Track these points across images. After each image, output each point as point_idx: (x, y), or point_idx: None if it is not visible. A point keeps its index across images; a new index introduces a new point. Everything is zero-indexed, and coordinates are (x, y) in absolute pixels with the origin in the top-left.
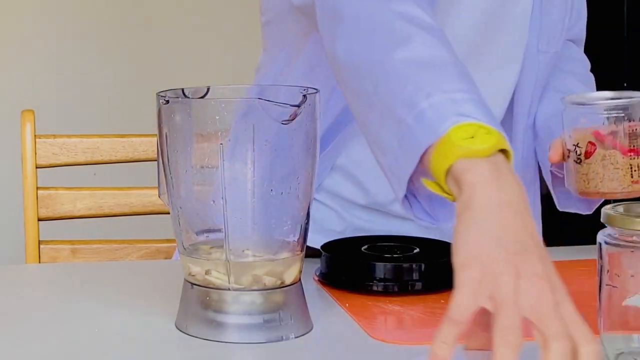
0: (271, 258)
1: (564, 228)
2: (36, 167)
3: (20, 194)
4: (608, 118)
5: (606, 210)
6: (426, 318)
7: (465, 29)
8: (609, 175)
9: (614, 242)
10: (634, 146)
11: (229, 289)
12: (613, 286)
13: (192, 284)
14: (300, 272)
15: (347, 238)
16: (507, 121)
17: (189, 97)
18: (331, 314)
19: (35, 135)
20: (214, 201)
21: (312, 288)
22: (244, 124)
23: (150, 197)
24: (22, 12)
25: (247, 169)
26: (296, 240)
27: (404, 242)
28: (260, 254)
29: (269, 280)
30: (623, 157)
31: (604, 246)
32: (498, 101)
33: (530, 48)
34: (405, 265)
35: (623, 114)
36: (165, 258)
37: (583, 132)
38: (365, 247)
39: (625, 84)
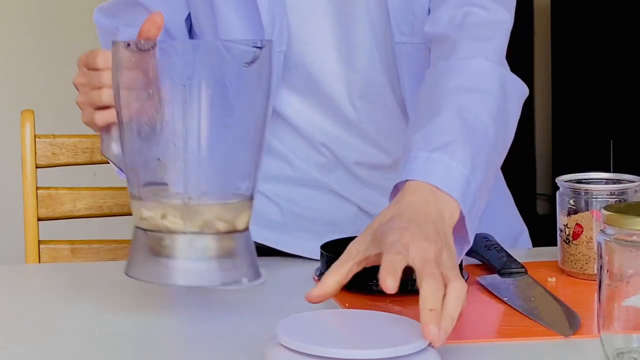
0: (225, 203)
1: None
2: (36, 167)
3: (20, 194)
4: (601, 202)
5: (606, 210)
6: None
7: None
8: (595, 257)
9: (613, 241)
10: None
11: (184, 233)
12: (613, 286)
13: (145, 230)
14: (249, 219)
15: (346, 238)
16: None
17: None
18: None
19: (35, 135)
20: (174, 144)
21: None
22: (203, 67)
23: None
24: (22, 12)
25: (202, 113)
26: (248, 186)
27: None
28: (215, 199)
29: (222, 225)
30: None
31: (603, 246)
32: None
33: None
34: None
35: (617, 199)
36: None
37: (573, 214)
38: None
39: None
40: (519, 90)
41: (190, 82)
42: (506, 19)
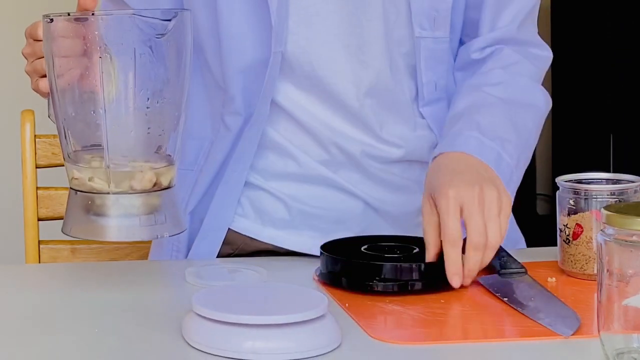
0: (146, 164)
1: None
2: (36, 167)
3: (20, 194)
4: (601, 202)
5: (606, 210)
6: (426, 318)
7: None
8: (595, 257)
9: (614, 242)
10: None
11: (109, 193)
12: (613, 286)
13: (77, 190)
14: (174, 177)
15: (346, 238)
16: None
17: (71, 16)
18: (330, 313)
19: (35, 135)
20: (93, 111)
21: (312, 288)
22: (119, 38)
23: None
24: (23, 12)
25: (124, 81)
26: (169, 148)
27: (404, 242)
28: (135, 161)
29: (145, 185)
30: None
31: (604, 246)
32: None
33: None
34: (405, 265)
35: (617, 199)
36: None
37: (573, 214)
38: (365, 247)
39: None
40: (549, 108)
41: (107, 52)
42: (550, 55)
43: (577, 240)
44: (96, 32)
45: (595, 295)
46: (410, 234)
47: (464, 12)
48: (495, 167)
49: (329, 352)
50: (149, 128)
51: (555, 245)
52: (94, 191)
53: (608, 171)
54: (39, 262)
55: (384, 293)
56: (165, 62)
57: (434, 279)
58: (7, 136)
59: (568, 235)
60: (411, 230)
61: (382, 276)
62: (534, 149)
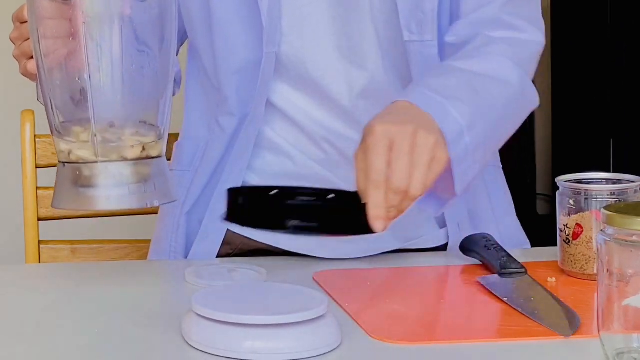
0: (134, 132)
1: None
2: (36, 167)
3: (20, 194)
4: (601, 202)
5: (606, 210)
6: (426, 318)
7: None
8: (595, 257)
9: (614, 242)
10: None
11: (96, 162)
12: (613, 286)
13: (65, 162)
14: (163, 148)
15: (255, 187)
16: None
17: None
18: (331, 313)
19: (35, 135)
20: (79, 78)
21: (312, 288)
22: (100, 3)
23: None
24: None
25: (108, 47)
26: (156, 117)
27: (319, 192)
28: (123, 129)
29: (133, 153)
30: None
31: (604, 246)
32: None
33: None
34: (318, 202)
35: (617, 199)
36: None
37: (573, 214)
38: (275, 191)
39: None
40: (533, 99)
41: (88, 18)
42: (540, 40)
43: (577, 240)
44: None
45: (595, 295)
46: (409, 234)
47: (449, 8)
48: (440, 120)
49: (329, 352)
50: (131, 97)
51: (555, 245)
52: (81, 161)
53: (608, 172)
54: (39, 262)
55: (299, 231)
56: (148, 28)
57: (352, 218)
58: (7, 136)
59: (568, 235)
60: (409, 232)
61: (294, 216)
62: (506, 125)
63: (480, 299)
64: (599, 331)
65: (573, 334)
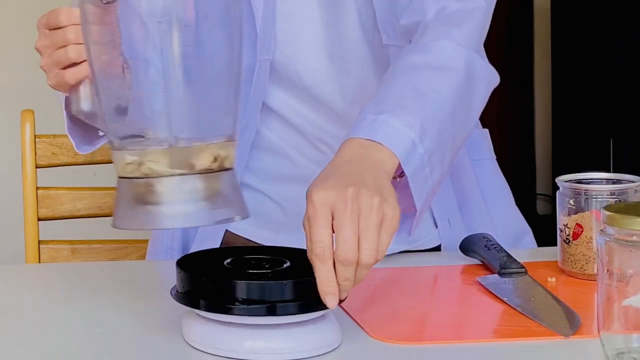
0: (210, 142)
1: None
2: (36, 167)
3: (20, 194)
4: (601, 202)
5: (606, 210)
6: (426, 318)
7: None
8: (595, 257)
9: (614, 242)
10: None
11: (172, 176)
12: (613, 286)
13: (131, 178)
14: (234, 157)
15: (208, 250)
16: None
17: None
18: (331, 313)
19: (35, 135)
20: (154, 85)
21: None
22: (174, 3)
23: None
24: (23, 12)
25: (181, 51)
26: (230, 124)
27: (274, 254)
28: (199, 138)
29: (209, 165)
30: None
31: (604, 246)
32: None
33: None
34: (273, 283)
35: (617, 199)
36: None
37: (573, 214)
38: (229, 260)
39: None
40: (488, 76)
41: (163, 19)
42: (480, 4)
43: (577, 240)
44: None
45: (595, 295)
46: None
47: None
48: (388, 141)
49: (329, 352)
50: (207, 102)
51: (555, 245)
52: (154, 175)
53: (608, 172)
54: (39, 262)
55: (246, 313)
56: (222, 29)
57: (308, 298)
58: (7, 136)
59: (568, 235)
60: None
61: (246, 297)
62: (460, 117)
63: (480, 299)
64: (599, 331)
65: (573, 334)
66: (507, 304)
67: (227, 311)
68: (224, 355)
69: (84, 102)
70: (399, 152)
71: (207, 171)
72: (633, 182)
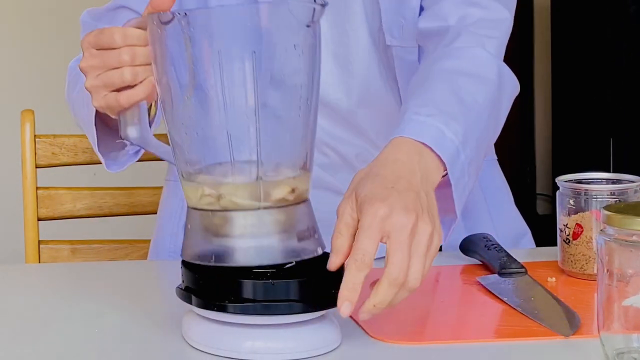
0: (294, 174)
1: None
2: (36, 167)
3: (20, 194)
4: (601, 202)
5: (606, 210)
6: (426, 318)
7: None
8: (595, 257)
9: (613, 242)
10: None
11: (258, 209)
12: (613, 286)
13: (207, 210)
14: (309, 189)
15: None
16: None
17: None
18: (331, 313)
19: (35, 135)
20: (245, 116)
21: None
22: (270, 30)
23: (150, 197)
24: (23, 12)
25: (275, 81)
26: (309, 155)
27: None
28: (286, 170)
29: (292, 197)
30: None
31: (604, 246)
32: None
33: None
34: (269, 282)
35: (617, 199)
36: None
37: (573, 214)
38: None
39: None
40: (513, 85)
41: (258, 48)
42: (506, 16)
43: (577, 240)
44: (243, 24)
45: (595, 295)
46: None
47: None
48: (436, 146)
49: (329, 352)
50: (294, 134)
51: (555, 245)
52: (232, 208)
53: (608, 172)
54: (39, 262)
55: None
56: (308, 58)
57: (309, 298)
58: (7, 136)
59: (568, 235)
60: None
61: (240, 295)
62: (492, 127)
63: (480, 299)
64: (599, 331)
65: (573, 334)
66: (507, 304)
67: (224, 309)
68: (223, 355)
69: (133, 127)
70: (446, 159)
71: (286, 203)
72: (633, 182)
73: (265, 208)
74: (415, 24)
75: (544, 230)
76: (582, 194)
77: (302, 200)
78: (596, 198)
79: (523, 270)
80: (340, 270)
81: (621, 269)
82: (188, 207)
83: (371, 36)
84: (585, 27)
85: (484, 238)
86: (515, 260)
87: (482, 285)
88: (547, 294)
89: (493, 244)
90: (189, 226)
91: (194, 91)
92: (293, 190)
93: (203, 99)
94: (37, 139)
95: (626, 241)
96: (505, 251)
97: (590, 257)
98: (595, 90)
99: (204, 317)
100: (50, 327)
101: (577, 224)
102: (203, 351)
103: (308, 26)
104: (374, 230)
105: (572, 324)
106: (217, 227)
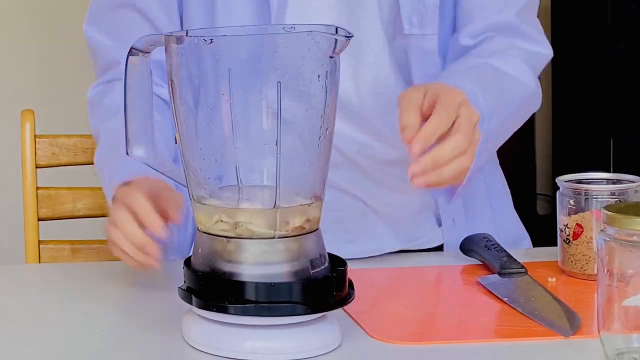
0: (309, 202)
1: None
2: (36, 167)
3: (20, 194)
4: (601, 202)
5: (606, 210)
6: (426, 318)
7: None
8: (595, 257)
9: (614, 242)
10: None
11: (272, 238)
12: (613, 286)
13: (220, 236)
14: (320, 217)
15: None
16: None
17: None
18: (331, 313)
19: (35, 135)
20: (267, 144)
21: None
22: (293, 60)
23: None
24: (23, 12)
25: (298, 110)
26: (323, 182)
27: None
28: (302, 199)
29: (307, 225)
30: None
31: (604, 246)
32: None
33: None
34: (266, 283)
35: (617, 199)
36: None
37: (573, 214)
38: None
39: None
40: (539, 103)
41: (283, 78)
42: (549, 53)
43: (577, 240)
44: (263, 56)
45: (595, 295)
46: (409, 236)
47: (455, 3)
48: (471, 101)
49: (329, 352)
50: (312, 163)
51: (556, 245)
52: (255, 236)
53: (608, 172)
54: (39, 262)
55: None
56: (329, 89)
57: (310, 300)
58: (7, 136)
59: (568, 235)
60: (410, 233)
61: (240, 296)
62: (514, 123)
63: (480, 299)
64: (599, 331)
65: (573, 334)
66: (507, 304)
67: (224, 310)
68: (223, 355)
69: (142, 145)
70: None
71: (300, 232)
72: (633, 182)
73: (279, 237)
74: (435, 12)
75: (544, 230)
76: (582, 194)
77: (314, 230)
78: (596, 198)
79: (523, 270)
80: (341, 271)
81: (621, 269)
82: (198, 230)
83: (383, 25)
84: (585, 27)
85: (484, 238)
86: (516, 260)
87: (482, 285)
88: (547, 294)
89: (493, 244)
90: (199, 250)
91: (215, 118)
92: (308, 220)
93: (225, 127)
94: (37, 139)
95: (626, 241)
96: (506, 251)
97: (590, 257)
98: (595, 90)
99: (204, 317)
100: (50, 327)
101: (577, 224)
102: (203, 351)
103: (331, 57)
104: (447, 113)
105: (572, 324)
106: (227, 253)
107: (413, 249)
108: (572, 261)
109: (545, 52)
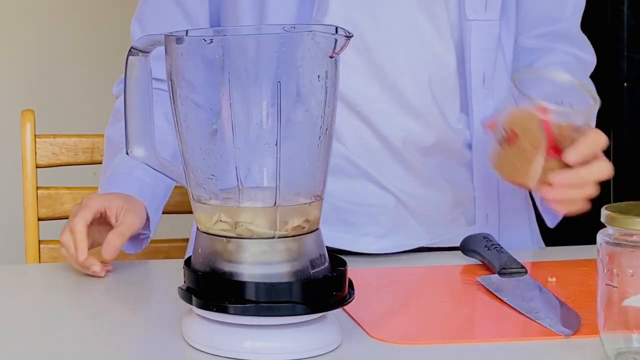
0: (309, 202)
1: (564, 228)
2: (36, 167)
3: (20, 194)
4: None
5: (606, 210)
6: (426, 318)
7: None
8: (521, 168)
9: (614, 241)
10: (559, 146)
11: (272, 237)
12: (613, 286)
13: (220, 236)
14: (320, 217)
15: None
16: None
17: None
18: (331, 313)
19: (35, 135)
20: (267, 144)
21: None
22: (293, 60)
23: None
24: (23, 12)
25: (297, 109)
26: (323, 182)
27: None
28: (302, 199)
29: (307, 226)
30: (542, 157)
31: (604, 246)
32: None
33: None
34: (267, 283)
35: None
36: (165, 258)
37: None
38: None
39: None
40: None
41: (283, 77)
42: (594, 61)
43: (511, 146)
44: (273, 53)
45: (596, 295)
46: (438, 232)
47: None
48: None
49: (329, 352)
50: (312, 162)
51: (556, 244)
52: (246, 236)
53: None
54: (39, 262)
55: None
56: (330, 89)
57: (310, 300)
58: (7, 136)
59: (504, 138)
60: (438, 229)
61: (240, 296)
62: None
63: (480, 299)
64: (599, 331)
65: (573, 334)
66: (507, 304)
67: (224, 310)
68: (223, 355)
69: (141, 145)
70: None
71: (300, 232)
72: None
73: (280, 237)
74: None
75: (544, 230)
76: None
77: (314, 230)
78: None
79: (523, 270)
80: (341, 271)
81: (621, 269)
82: (198, 230)
83: (447, 9)
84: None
85: (484, 238)
86: (515, 260)
87: (482, 285)
88: (547, 294)
89: (493, 244)
90: (199, 250)
91: (216, 118)
92: (307, 220)
93: (225, 127)
94: (37, 139)
95: (626, 241)
96: (506, 251)
97: (517, 167)
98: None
99: (204, 317)
100: (50, 327)
101: (513, 130)
102: (203, 351)
103: (331, 57)
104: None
105: (572, 324)
106: (228, 253)
107: (440, 246)
108: (501, 163)
109: (591, 59)
